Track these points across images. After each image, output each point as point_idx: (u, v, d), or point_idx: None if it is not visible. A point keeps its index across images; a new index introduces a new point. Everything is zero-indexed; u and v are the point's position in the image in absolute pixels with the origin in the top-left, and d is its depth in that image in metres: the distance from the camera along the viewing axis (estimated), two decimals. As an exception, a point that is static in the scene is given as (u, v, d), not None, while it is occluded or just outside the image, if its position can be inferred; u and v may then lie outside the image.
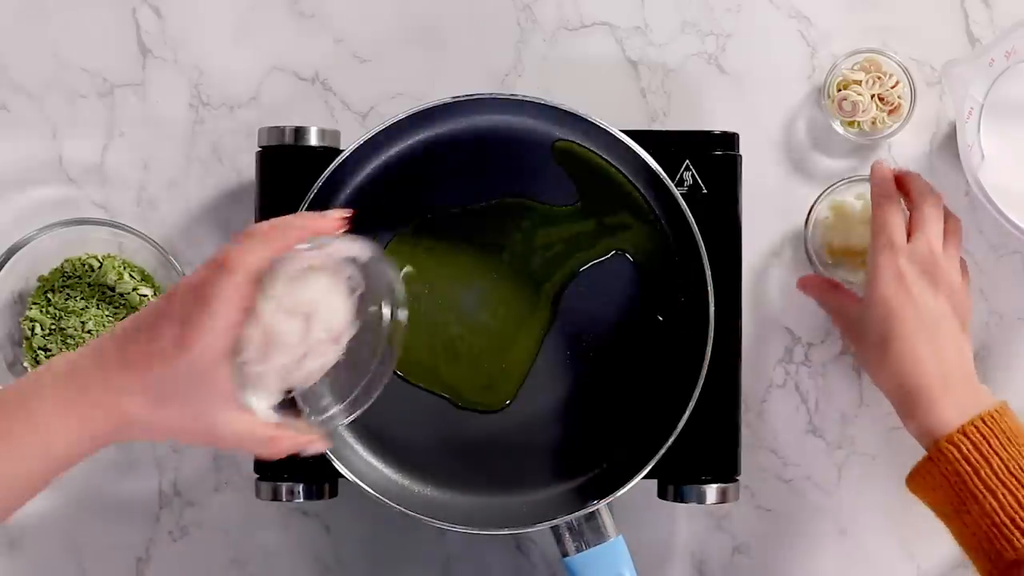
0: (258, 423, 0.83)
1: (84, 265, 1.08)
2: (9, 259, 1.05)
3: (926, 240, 0.99)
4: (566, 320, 1.04)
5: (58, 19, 1.11)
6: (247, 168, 1.07)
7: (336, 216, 0.85)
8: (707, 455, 1.02)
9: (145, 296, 1.08)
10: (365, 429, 1.04)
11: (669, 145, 1.02)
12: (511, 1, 1.11)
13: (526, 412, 1.04)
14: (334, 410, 0.89)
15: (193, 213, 1.10)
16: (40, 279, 1.08)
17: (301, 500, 1.02)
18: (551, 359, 1.04)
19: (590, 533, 1.00)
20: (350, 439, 1.04)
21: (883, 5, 1.11)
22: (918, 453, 1.11)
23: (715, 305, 1.00)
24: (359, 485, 1.00)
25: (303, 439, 0.84)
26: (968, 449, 0.93)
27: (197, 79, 1.11)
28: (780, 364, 1.11)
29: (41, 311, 1.07)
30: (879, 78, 1.08)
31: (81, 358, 0.81)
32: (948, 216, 1.02)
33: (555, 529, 1.00)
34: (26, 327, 1.07)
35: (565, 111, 1.01)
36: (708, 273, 1.00)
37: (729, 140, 1.04)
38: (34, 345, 1.07)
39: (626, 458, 1.02)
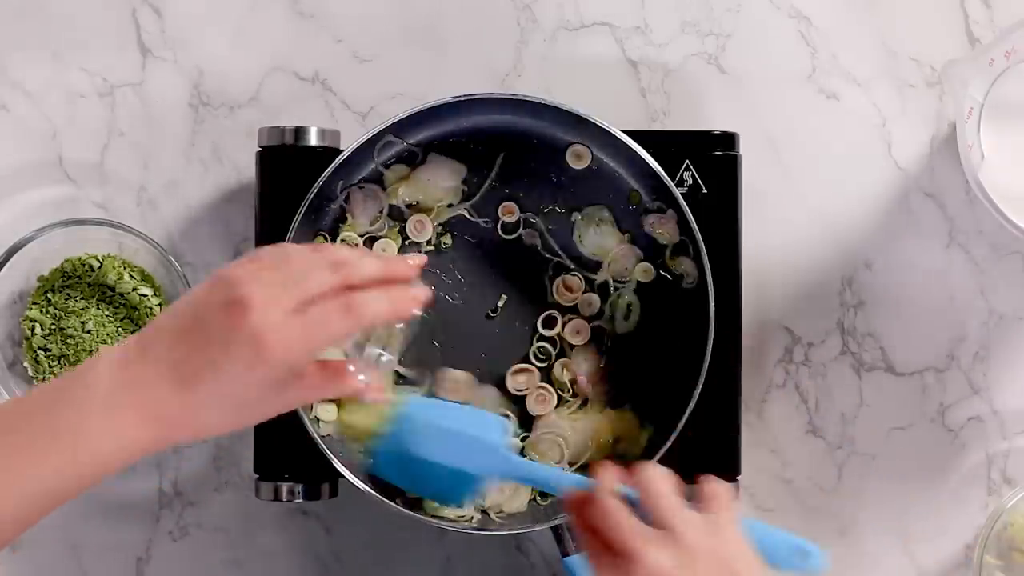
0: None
1: (84, 265, 1.08)
2: (9, 259, 1.05)
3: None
4: (566, 320, 1.05)
5: (58, 19, 1.11)
6: (247, 168, 1.07)
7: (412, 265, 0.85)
8: (707, 455, 1.02)
9: (145, 296, 1.08)
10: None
11: (669, 145, 1.02)
12: (511, 1, 1.11)
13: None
14: (385, 357, 0.88)
15: (193, 213, 1.10)
16: (40, 279, 1.08)
17: (301, 500, 1.02)
18: (551, 359, 1.05)
19: (590, 533, 1.00)
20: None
21: (883, 5, 1.11)
22: (918, 453, 1.11)
23: (715, 305, 1.00)
24: (359, 485, 1.00)
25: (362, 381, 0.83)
26: None
27: (197, 79, 1.11)
28: (780, 364, 1.11)
29: (41, 311, 1.07)
30: None
31: (131, 355, 0.79)
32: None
33: (555, 529, 1.00)
34: (26, 327, 1.07)
35: (565, 111, 1.01)
36: (708, 272, 1.00)
37: (729, 140, 1.04)
38: (34, 345, 1.07)
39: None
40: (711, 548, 0.81)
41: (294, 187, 1.01)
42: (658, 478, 0.84)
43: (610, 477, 0.85)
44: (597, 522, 0.83)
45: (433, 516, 1.01)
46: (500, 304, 1.04)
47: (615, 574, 0.82)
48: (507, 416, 1.03)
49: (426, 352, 1.03)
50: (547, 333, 1.04)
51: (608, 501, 0.83)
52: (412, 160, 1.04)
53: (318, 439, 0.99)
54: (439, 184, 1.04)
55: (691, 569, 0.80)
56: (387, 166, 1.03)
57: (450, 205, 1.04)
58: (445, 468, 0.90)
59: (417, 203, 1.04)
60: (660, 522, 0.82)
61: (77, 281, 1.07)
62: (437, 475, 0.90)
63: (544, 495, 1.03)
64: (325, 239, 1.02)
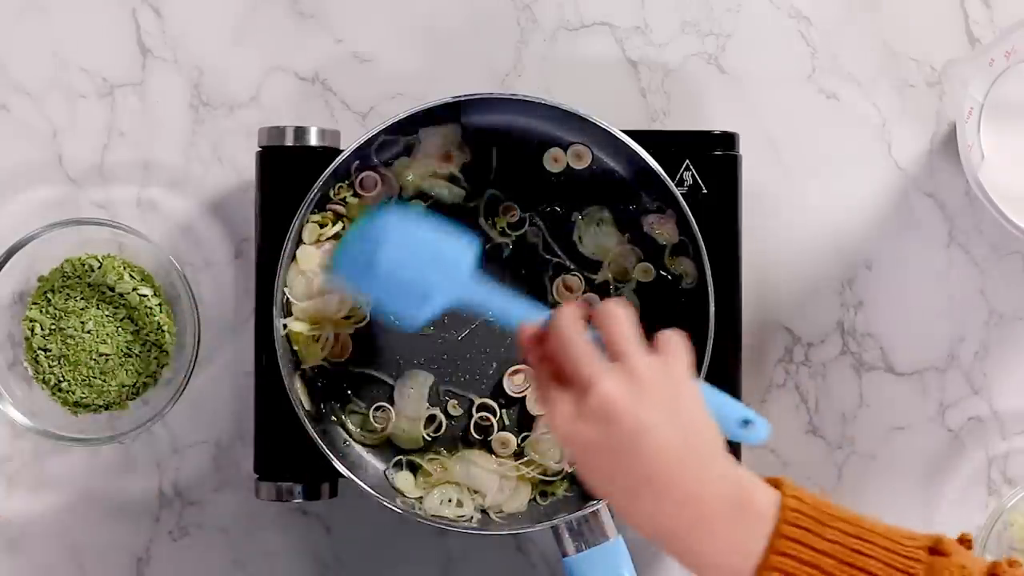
0: None
1: (84, 265, 1.08)
2: (9, 259, 1.05)
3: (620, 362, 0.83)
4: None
5: (58, 19, 1.11)
6: (247, 168, 1.07)
7: None
8: (707, 455, 1.02)
9: (145, 296, 1.08)
10: (365, 428, 1.04)
11: (669, 145, 1.02)
12: (511, 1, 1.11)
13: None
14: None
15: (193, 213, 1.10)
16: (40, 279, 1.08)
17: (301, 500, 1.02)
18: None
19: (590, 533, 1.00)
20: (350, 439, 1.04)
21: (883, 5, 1.11)
22: (918, 453, 1.10)
23: (715, 305, 1.00)
24: (359, 485, 1.00)
25: None
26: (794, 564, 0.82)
27: (197, 79, 1.11)
28: (780, 364, 1.11)
29: (41, 311, 1.07)
30: None
31: None
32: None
33: (555, 529, 1.00)
34: (26, 327, 1.07)
35: (565, 111, 1.01)
36: (708, 273, 1.00)
37: (729, 140, 1.04)
38: (34, 345, 1.07)
39: (626, 458, 1.02)
40: (661, 384, 0.82)
41: (294, 187, 1.01)
42: (618, 313, 0.85)
43: (571, 311, 0.86)
44: (555, 351, 0.84)
45: (433, 516, 1.01)
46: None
47: (565, 403, 0.82)
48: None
49: (428, 352, 1.04)
50: (547, 333, 1.04)
51: (568, 331, 0.84)
52: (411, 151, 1.04)
53: (318, 439, 0.99)
54: (437, 153, 1.03)
55: (640, 398, 0.81)
56: (388, 165, 1.04)
57: (454, 185, 1.03)
58: (404, 280, 0.89)
59: (423, 192, 1.04)
60: (615, 354, 0.83)
61: (77, 281, 1.07)
62: (396, 286, 0.90)
63: (544, 495, 1.03)
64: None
